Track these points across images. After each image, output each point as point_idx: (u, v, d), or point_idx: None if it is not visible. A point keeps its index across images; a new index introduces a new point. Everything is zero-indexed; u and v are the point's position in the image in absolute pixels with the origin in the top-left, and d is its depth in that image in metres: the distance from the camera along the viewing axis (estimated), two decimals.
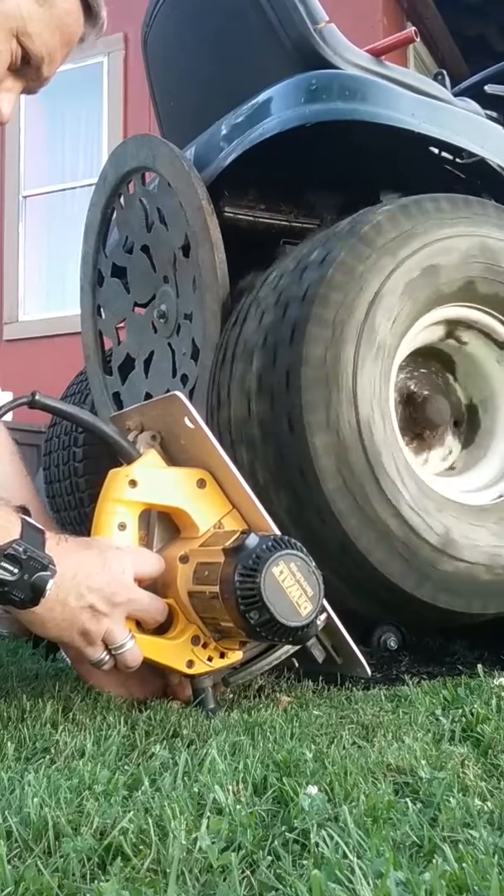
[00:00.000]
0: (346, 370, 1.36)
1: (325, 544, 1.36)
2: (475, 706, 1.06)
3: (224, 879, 0.59)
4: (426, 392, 1.63)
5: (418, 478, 1.42)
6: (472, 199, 1.61)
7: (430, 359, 1.66)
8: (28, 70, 1.11)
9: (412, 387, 1.63)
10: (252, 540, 1.01)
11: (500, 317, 1.59)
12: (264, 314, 1.49)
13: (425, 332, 1.57)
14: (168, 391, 1.43)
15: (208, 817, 0.69)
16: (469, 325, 1.61)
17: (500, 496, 1.55)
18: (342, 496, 1.34)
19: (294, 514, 1.40)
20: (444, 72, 2.10)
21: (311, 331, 1.36)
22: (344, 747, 0.91)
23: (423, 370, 1.65)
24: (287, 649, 1.16)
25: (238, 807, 0.72)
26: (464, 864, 0.59)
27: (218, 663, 1.12)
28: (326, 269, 1.40)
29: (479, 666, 1.35)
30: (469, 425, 1.67)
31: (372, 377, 1.39)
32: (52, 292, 6.10)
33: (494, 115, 2.01)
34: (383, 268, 1.42)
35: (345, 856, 0.61)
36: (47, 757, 0.88)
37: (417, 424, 1.61)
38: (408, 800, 0.75)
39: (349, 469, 1.34)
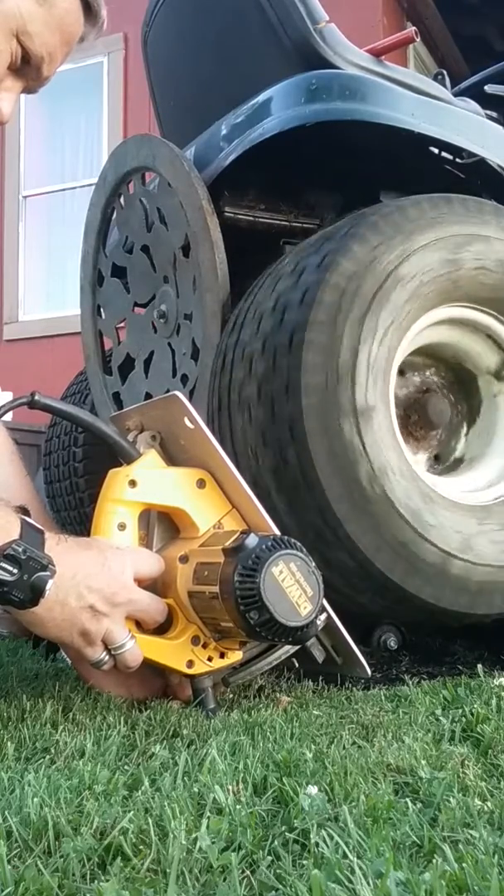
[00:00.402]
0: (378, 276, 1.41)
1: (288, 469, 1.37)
2: (475, 706, 1.06)
3: (224, 879, 0.59)
4: (434, 399, 1.63)
5: (393, 422, 1.43)
6: (468, 198, 1.62)
7: (464, 396, 1.67)
8: (28, 69, 1.11)
9: (433, 387, 1.64)
10: (252, 540, 1.01)
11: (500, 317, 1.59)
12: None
13: (483, 346, 1.59)
14: (168, 391, 1.43)
15: (208, 817, 0.69)
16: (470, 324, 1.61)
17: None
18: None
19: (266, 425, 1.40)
20: (444, 72, 2.10)
21: (340, 262, 1.40)
22: (344, 747, 0.91)
23: (450, 397, 1.66)
24: (287, 649, 1.16)
25: (238, 807, 0.72)
26: (464, 864, 0.59)
27: (218, 663, 1.12)
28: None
29: (479, 666, 1.35)
30: (447, 466, 1.68)
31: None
32: (52, 292, 6.11)
33: (494, 115, 2.01)
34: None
35: (345, 856, 0.61)
36: (47, 757, 0.88)
37: (414, 408, 1.61)
38: (408, 800, 0.75)
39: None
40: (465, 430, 1.68)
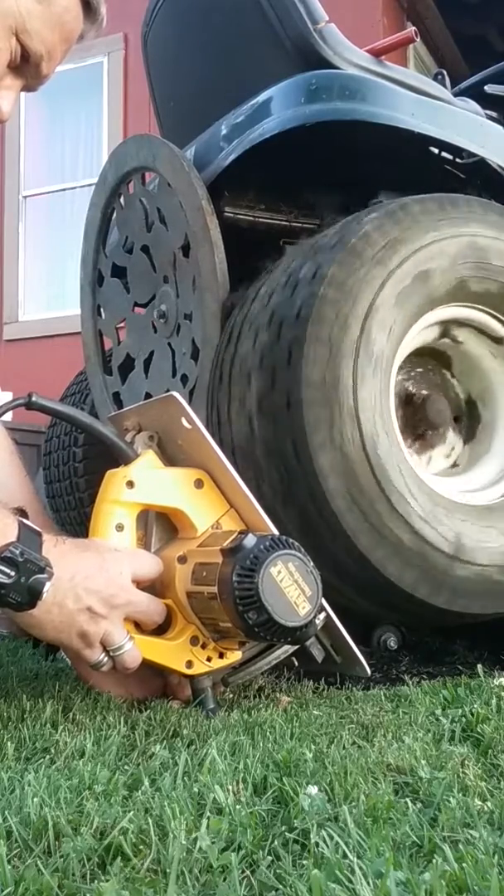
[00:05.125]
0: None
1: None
2: (475, 706, 1.06)
3: (224, 879, 0.59)
4: (419, 391, 1.64)
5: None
6: (457, 197, 1.60)
7: (425, 356, 1.66)
8: (27, 68, 1.11)
9: (408, 386, 1.64)
10: (250, 540, 1.01)
11: (493, 313, 1.59)
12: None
13: (423, 333, 1.58)
14: (168, 391, 1.44)
15: (208, 817, 0.69)
16: (463, 323, 1.61)
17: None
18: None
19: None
20: (444, 72, 2.10)
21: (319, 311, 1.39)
22: (344, 747, 0.91)
23: (419, 369, 1.66)
24: (286, 649, 1.16)
25: (238, 807, 0.72)
26: (464, 864, 0.59)
27: (217, 663, 1.12)
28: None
29: (479, 666, 1.35)
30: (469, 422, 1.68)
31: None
32: (52, 292, 6.10)
33: (494, 115, 2.01)
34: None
35: (345, 856, 0.61)
36: (47, 757, 0.88)
37: (418, 424, 1.61)
38: (408, 800, 0.75)
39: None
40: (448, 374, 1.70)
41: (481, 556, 1.41)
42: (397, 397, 1.60)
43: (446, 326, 1.61)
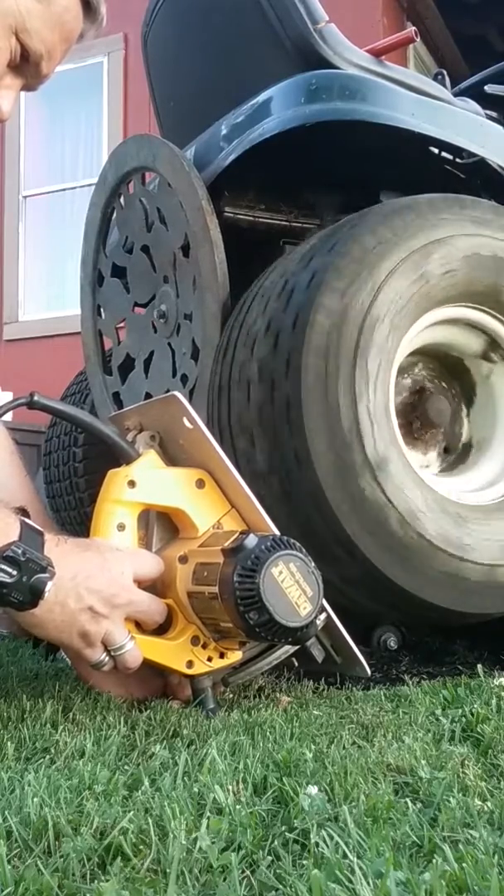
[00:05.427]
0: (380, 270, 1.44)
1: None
2: (475, 706, 1.06)
3: (224, 879, 0.59)
4: (433, 389, 1.63)
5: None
6: None
7: (455, 378, 1.68)
8: (27, 67, 1.11)
9: (426, 383, 1.65)
10: (251, 540, 1.01)
11: None
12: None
13: (467, 332, 1.60)
14: (168, 391, 1.43)
15: (208, 817, 0.69)
16: None
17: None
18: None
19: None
20: (444, 72, 2.10)
21: (360, 237, 1.45)
22: (344, 747, 0.91)
23: (444, 384, 1.67)
24: (287, 649, 1.16)
25: (238, 807, 0.72)
26: (464, 864, 0.59)
27: (217, 663, 1.12)
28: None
29: (479, 666, 1.35)
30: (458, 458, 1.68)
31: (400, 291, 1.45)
32: (51, 292, 6.10)
33: (494, 115, 2.01)
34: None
35: (345, 856, 0.61)
36: (47, 757, 0.88)
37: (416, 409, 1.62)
38: (408, 800, 0.75)
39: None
40: (465, 410, 1.70)
41: (397, 498, 1.36)
42: (411, 380, 1.62)
43: (492, 346, 1.62)
